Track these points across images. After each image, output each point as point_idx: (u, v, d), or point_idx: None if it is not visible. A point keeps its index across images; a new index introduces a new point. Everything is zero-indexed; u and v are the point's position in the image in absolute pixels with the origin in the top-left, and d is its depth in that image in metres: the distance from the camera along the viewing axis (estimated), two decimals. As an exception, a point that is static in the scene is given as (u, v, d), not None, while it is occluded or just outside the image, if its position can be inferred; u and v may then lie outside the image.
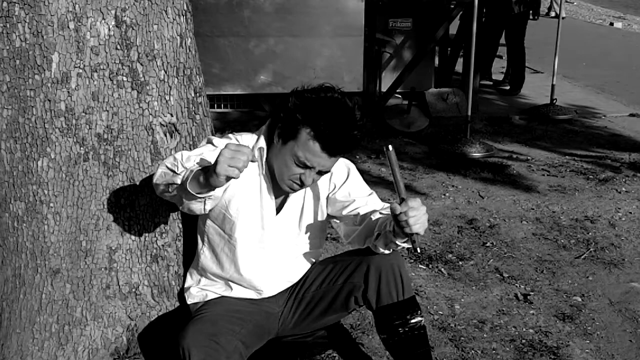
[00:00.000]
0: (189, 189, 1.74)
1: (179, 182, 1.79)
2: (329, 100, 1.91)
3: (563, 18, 6.56)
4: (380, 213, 2.04)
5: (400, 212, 1.78)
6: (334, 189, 2.14)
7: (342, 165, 2.15)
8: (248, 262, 2.09)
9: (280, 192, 2.07)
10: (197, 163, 1.84)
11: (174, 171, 1.83)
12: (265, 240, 2.10)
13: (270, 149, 2.01)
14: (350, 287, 2.12)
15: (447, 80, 6.52)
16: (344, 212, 2.13)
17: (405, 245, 1.95)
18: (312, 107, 1.89)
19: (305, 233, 2.16)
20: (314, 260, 2.25)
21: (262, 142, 2.01)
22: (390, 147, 1.76)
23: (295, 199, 2.11)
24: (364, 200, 2.11)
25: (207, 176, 1.69)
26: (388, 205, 2.16)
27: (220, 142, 1.97)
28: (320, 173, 1.97)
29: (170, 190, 1.85)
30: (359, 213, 2.10)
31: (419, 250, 1.87)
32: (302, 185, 1.97)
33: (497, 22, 6.62)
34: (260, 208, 2.06)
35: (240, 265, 2.09)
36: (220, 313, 2.04)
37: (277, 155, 1.97)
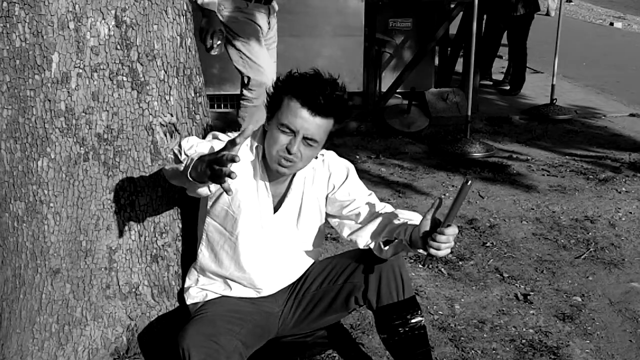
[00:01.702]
0: (189, 177, 1.75)
1: (181, 169, 1.82)
2: (311, 72, 1.97)
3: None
4: (389, 219, 2.04)
5: (441, 235, 1.79)
6: (333, 189, 2.15)
7: (342, 166, 2.16)
8: (249, 259, 2.10)
9: (278, 191, 2.08)
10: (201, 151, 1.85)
11: (177, 158, 1.90)
12: (264, 238, 2.10)
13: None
14: (351, 287, 2.13)
15: (447, 80, 6.51)
16: (344, 212, 2.14)
17: (420, 253, 1.95)
18: (294, 79, 1.95)
19: (304, 232, 2.17)
20: (313, 260, 2.26)
21: (259, 142, 2.02)
22: (470, 181, 1.73)
23: (293, 199, 2.11)
24: (364, 200, 2.12)
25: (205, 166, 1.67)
26: (386, 205, 2.16)
27: (225, 137, 2.00)
28: (307, 141, 1.93)
29: (177, 176, 1.88)
30: (359, 212, 2.11)
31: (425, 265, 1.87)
32: (289, 155, 1.92)
33: (500, 22, 6.62)
34: (258, 206, 2.07)
35: (241, 262, 2.09)
36: (220, 313, 2.04)
37: (268, 138, 1.98)
